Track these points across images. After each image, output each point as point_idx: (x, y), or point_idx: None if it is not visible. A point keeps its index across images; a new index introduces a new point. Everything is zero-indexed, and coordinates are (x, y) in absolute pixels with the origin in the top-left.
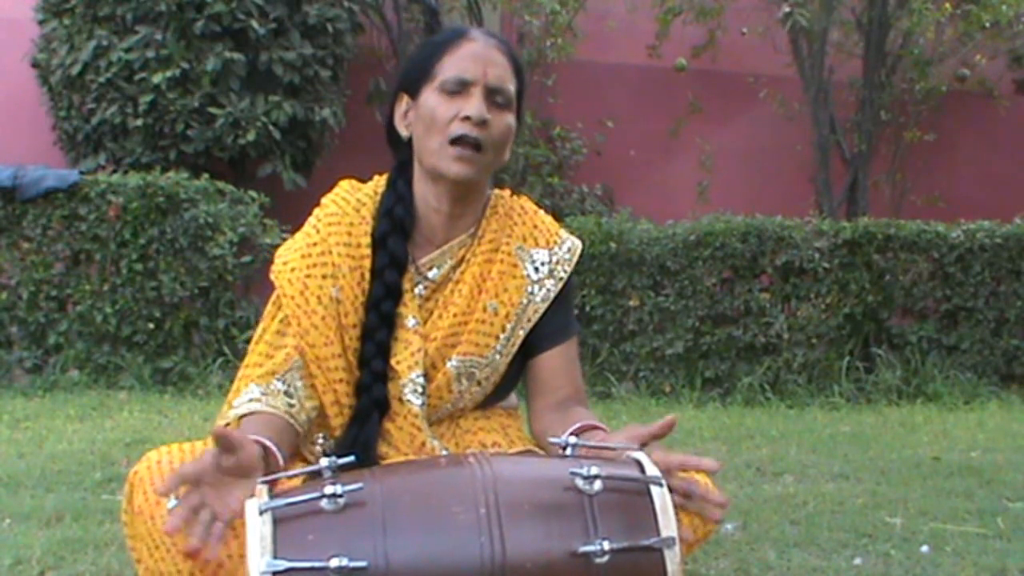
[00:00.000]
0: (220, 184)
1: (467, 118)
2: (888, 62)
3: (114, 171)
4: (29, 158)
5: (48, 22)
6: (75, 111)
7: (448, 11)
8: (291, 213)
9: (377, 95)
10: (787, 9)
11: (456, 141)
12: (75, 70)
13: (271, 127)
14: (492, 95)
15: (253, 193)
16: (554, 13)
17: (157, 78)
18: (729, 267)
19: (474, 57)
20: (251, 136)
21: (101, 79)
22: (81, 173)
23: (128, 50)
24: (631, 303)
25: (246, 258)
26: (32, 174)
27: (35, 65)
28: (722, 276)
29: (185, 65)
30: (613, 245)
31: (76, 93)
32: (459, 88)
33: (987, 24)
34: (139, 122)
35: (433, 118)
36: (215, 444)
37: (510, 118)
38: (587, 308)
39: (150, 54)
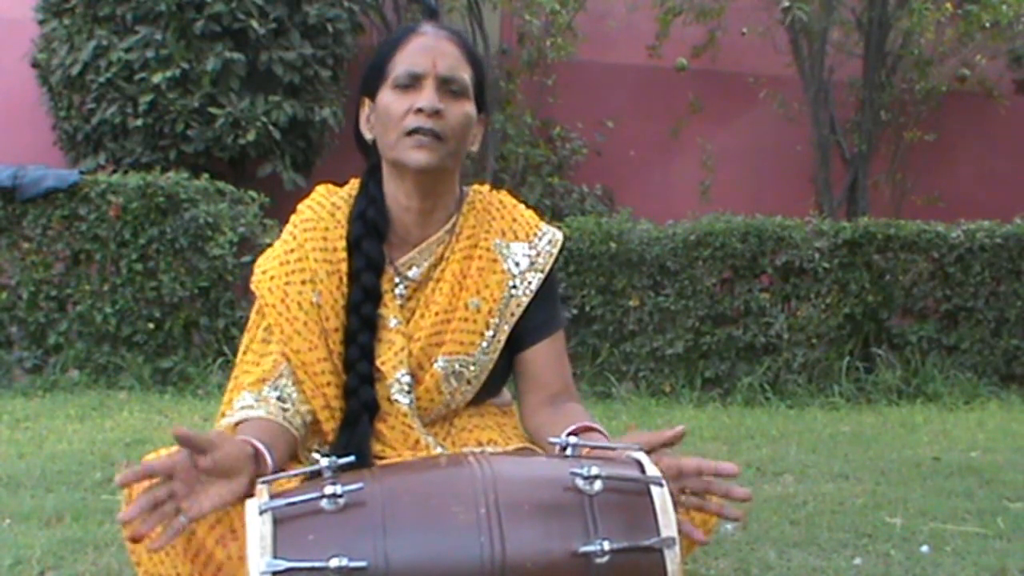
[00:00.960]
0: (220, 184)
1: (420, 110)
2: (888, 62)
3: (114, 171)
4: (29, 158)
5: (48, 22)
6: (75, 111)
7: (448, 11)
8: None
9: None
10: (786, 3)
11: (412, 133)
12: (75, 70)
13: (271, 127)
14: (445, 85)
15: (253, 193)
16: (554, 13)
17: (157, 78)
18: (729, 267)
19: (423, 50)
20: (251, 136)
21: (101, 79)
22: (81, 173)
23: (128, 50)
24: (631, 303)
25: (246, 258)
26: (32, 174)
27: (35, 65)
28: (722, 276)
29: (185, 65)
30: (613, 245)
31: (76, 93)
32: (411, 82)
33: (987, 24)
34: (139, 122)
35: (389, 115)
36: (177, 443)
37: (468, 106)
38: (587, 308)
39: (150, 54)
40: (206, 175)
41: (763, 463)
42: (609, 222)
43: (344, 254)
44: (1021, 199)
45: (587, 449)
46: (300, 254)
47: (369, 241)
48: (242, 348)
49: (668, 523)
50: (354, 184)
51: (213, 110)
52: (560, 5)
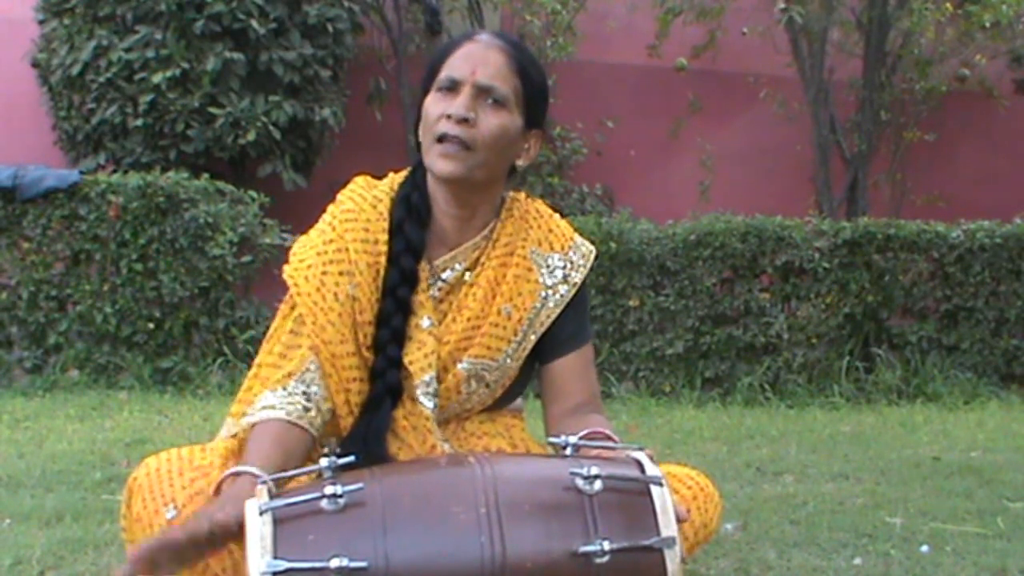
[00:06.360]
0: (220, 184)
1: (450, 116)
2: (888, 62)
3: (114, 171)
4: (29, 158)
5: (48, 22)
6: (75, 111)
7: (449, 11)
8: (291, 213)
9: (377, 95)
10: (782, 5)
11: (441, 139)
12: (75, 70)
13: (271, 127)
14: (483, 94)
15: (253, 193)
16: (554, 13)
17: (157, 78)
18: (729, 267)
19: (467, 57)
20: (251, 136)
21: (101, 79)
22: (81, 173)
23: (128, 50)
24: (631, 303)
25: (246, 258)
26: (32, 174)
27: (35, 65)
28: (722, 276)
29: (185, 65)
30: (613, 245)
31: (76, 93)
32: (450, 86)
33: (987, 24)
34: (139, 122)
35: (426, 117)
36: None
37: (505, 117)
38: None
39: (150, 54)
40: (206, 175)
41: (763, 463)
42: (609, 222)
43: (385, 246)
44: (1021, 199)
45: (587, 449)
46: (339, 245)
47: (411, 225)
48: (268, 336)
49: (668, 523)
50: (393, 178)
51: (213, 110)
52: (560, 5)
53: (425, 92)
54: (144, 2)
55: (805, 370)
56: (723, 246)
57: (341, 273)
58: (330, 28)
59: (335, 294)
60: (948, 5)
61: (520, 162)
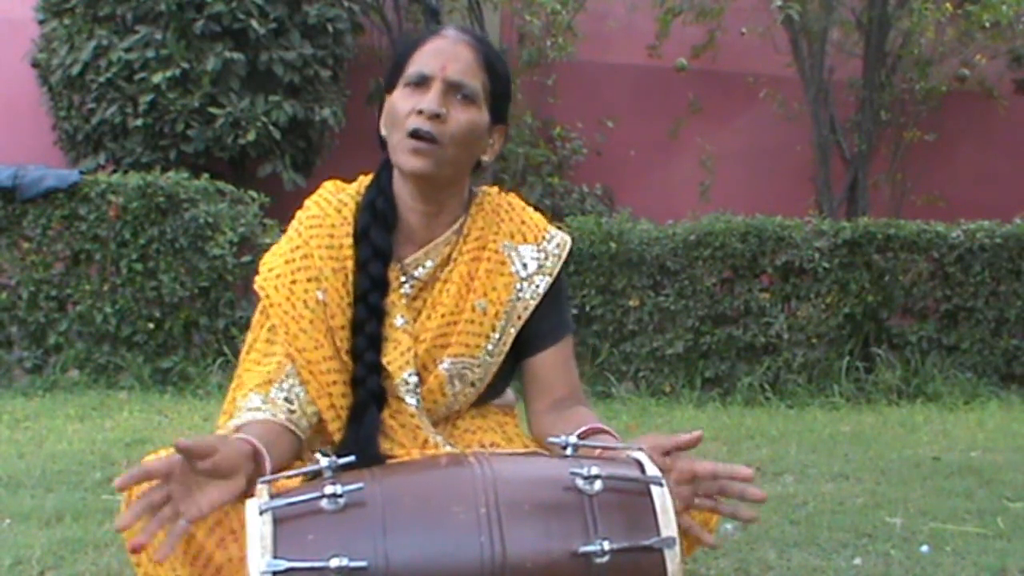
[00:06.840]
0: (220, 184)
1: (421, 112)
2: (888, 62)
3: (114, 171)
4: (29, 158)
5: (48, 22)
6: (75, 111)
7: (449, 11)
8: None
9: (377, 95)
10: (779, 3)
11: (412, 135)
12: (75, 70)
13: (271, 127)
14: (453, 90)
15: (253, 193)
16: (554, 13)
17: (157, 78)
18: (729, 267)
19: (436, 52)
20: (251, 136)
21: (101, 79)
22: (81, 173)
23: (128, 50)
24: (631, 303)
25: (246, 258)
26: (32, 174)
27: (35, 65)
28: (722, 276)
29: (185, 65)
30: (613, 245)
31: (76, 93)
32: (420, 82)
33: (987, 24)
34: (139, 122)
35: (394, 113)
36: (178, 454)
37: (475, 113)
38: (587, 308)
39: (150, 54)
40: (206, 175)
41: (763, 463)
42: (609, 222)
43: (350, 251)
44: (1021, 199)
45: (587, 449)
46: (305, 251)
47: (377, 230)
48: (246, 347)
49: (668, 523)
50: (362, 181)
51: (213, 110)
52: (560, 5)
53: (389, 88)
54: (144, 2)
55: (805, 370)
56: (723, 246)
57: (309, 279)
58: (330, 28)
59: (304, 301)
60: (948, 5)
61: (485, 157)
